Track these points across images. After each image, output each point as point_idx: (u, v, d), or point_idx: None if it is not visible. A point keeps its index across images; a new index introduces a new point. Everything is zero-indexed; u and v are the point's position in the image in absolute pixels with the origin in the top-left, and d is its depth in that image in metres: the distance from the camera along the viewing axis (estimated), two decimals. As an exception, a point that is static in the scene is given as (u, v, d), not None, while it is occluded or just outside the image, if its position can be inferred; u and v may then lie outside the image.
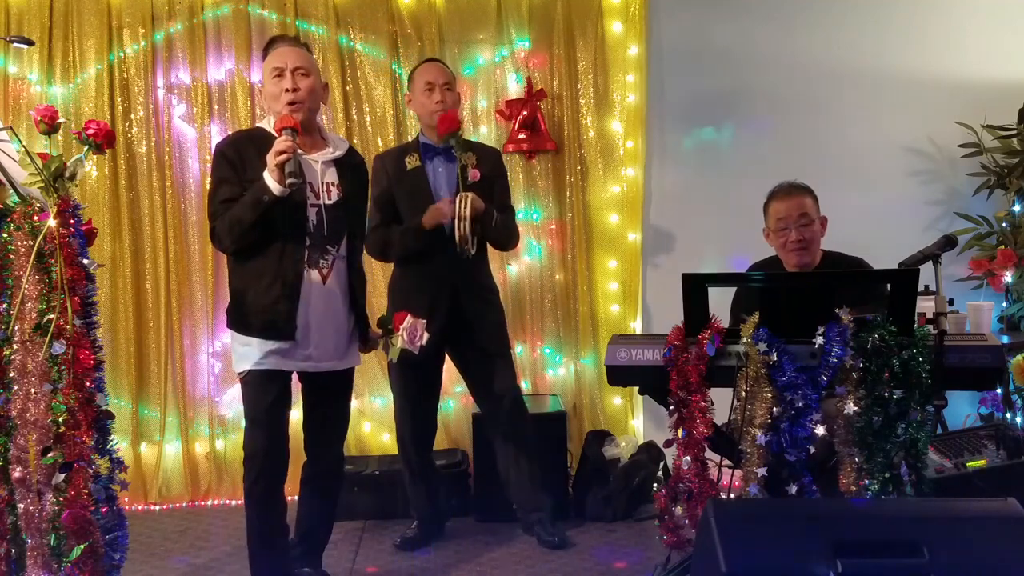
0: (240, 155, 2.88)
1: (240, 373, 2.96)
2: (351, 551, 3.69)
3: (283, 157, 2.71)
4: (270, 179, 2.75)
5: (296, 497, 4.15)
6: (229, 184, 2.86)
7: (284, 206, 2.83)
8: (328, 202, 2.93)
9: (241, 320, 2.92)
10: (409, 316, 3.00)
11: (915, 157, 4.49)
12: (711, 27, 4.45)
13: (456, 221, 3.42)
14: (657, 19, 4.45)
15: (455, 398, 4.40)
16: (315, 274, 2.91)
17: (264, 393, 2.91)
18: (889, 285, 2.70)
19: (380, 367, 4.34)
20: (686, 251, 4.46)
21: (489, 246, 3.73)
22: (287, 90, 2.86)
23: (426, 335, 3.02)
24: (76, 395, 2.37)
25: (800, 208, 3.18)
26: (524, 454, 3.74)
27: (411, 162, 3.62)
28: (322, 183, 2.94)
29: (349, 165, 3.03)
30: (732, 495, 2.69)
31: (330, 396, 3.08)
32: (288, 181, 2.73)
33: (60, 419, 2.36)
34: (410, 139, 4.28)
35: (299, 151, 2.79)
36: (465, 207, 3.41)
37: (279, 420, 2.95)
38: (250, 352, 2.90)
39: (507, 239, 3.75)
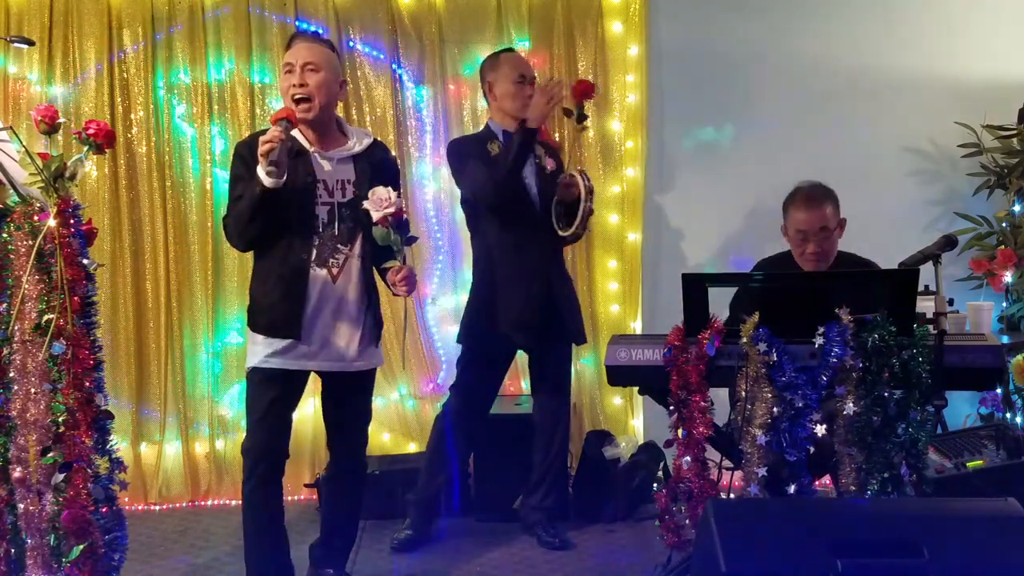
0: (253, 153, 2.85)
1: (247, 370, 2.97)
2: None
3: (267, 147, 2.67)
4: (261, 171, 2.74)
5: (297, 497, 4.24)
6: (242, 181, 2.85)
7: (291, 204, 2.83)
8: (342, 200, 2.91)
9: (251, 318, 2.96)
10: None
11: (915, 157, 4.49)
12: (711, 27, 4.44)
13: (584, 194, 3.39)
14: (657, 19, 4.44)
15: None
16: (323, 273, 2.89)
17: (264, 391, 2.90)
18: (889, 285, 2.70)
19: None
20: (686, 251, 4.46)
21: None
22: (293, 85, 2.87)
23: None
24: (76, 395, 2.38)
25: (821, 221, 3.17)
26: (561, 458, 3.84)
27: (493, 149, 3.59)
28: (336, 180, 2.92)
29: (369, 161, 2.98)
30: (732, 495, 2.69)
31: (347, 397, 3.06)
32: (266, 170, 2.69)
33: (60, 419, 2.37)
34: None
35: (291, 143, 2.78)
36: (590, 180, 3.33)
37: (275, 419, 2.92)
38: (256, 350, 2.92)
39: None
